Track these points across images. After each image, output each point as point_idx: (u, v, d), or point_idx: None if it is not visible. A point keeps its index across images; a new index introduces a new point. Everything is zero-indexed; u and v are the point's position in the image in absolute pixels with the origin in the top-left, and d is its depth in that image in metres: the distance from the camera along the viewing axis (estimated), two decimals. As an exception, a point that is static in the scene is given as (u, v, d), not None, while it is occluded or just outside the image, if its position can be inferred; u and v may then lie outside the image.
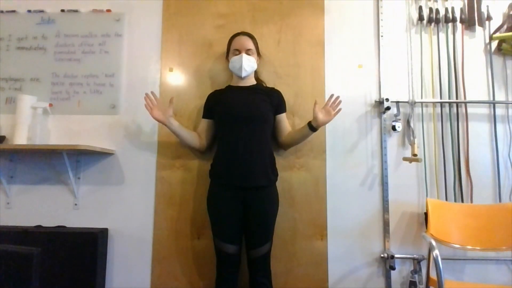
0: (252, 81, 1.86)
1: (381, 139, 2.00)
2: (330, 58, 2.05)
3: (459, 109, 2.02)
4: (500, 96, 2.02)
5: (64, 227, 1.95)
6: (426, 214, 1.85)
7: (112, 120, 2.03)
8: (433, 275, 1.64)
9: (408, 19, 2.09)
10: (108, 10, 2.09)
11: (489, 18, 2.05)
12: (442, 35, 2.07)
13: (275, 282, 1.74)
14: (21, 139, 1.88)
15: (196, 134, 1.86)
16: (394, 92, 2.02)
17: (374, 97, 2.04)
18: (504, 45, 2.00)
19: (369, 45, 2.07)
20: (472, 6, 2.06)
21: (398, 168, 1.99)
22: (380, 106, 2.00)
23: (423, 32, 2.08)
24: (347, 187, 1.98)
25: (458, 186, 1.97)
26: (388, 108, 1.96)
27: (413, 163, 1.96)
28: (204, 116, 1.87)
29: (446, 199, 1.96)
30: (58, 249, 1.81)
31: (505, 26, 2.01)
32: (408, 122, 1.99)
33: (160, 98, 1.99)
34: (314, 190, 1.97)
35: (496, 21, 2.05)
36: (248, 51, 1.78)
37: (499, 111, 2.02)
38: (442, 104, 2.02)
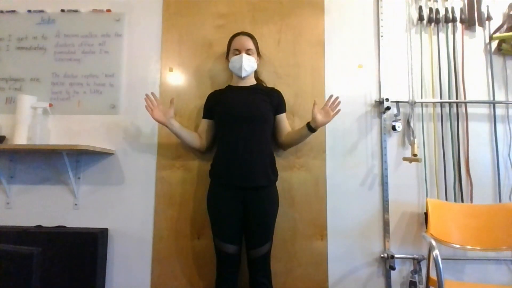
0: (252, 81, 1.86)
1: (381, 139, 2.00)
2: (330, 58, 2.05)
3: (459, 109, 2.02)
4: (500, 96, 2.02)
5: (64, 227, 1.95)
6: (426, 214, 1.85)
7: (112, 120, 2.03)
8: (433, 275, 1.64)
9: (408, 19, 2.09)
10: (108, 10, 2.09)
11: (489, 18, 2.05)
12: (442, 35, 2.07)
13: (275, 282, 1.74)
14: (21, 139, 1.88)
15: (196, 135, 1.86)
16: (394, 92, 2.02)
17: (374, 97, 2.04)
18: (504, 45, 2.00)
19: (369, 45, 2.07)
20: (472, 6, 2.06)
21: (398, 168, 1.99)
22: (380, 106, 2.00)
23: (423, 32, 2.08)
24: (347, 187, 1.98)
25: (458, 186, 1.97)
26: (388, 108, 1.96)
27: (413, 163, 1.96)
28: (204, 117, 1.87)
29: (446, 199, 1.96)
30: (58, 249, 1.81)
31: (505, 26, 2.01)
32: (408, 122, 1.99)
33: (160, 98, 1.99)
34: (314, 190, 1.97)
35: (496, 21, 2.05)
36: (248, 51, 1.78)
37: (499, 111, 2.02)
38: (442, 104, 2.02)
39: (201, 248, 1.93)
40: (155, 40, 2.08)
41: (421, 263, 1.87)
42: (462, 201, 1.95)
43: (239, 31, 1.87)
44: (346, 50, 2.07)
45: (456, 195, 1.97)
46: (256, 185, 1.65)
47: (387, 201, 1.96)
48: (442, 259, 1.54)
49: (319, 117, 1.64)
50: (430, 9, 2.05)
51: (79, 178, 2.00)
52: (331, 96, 1.66)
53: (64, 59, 2.06)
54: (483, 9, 2.06)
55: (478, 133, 2.00)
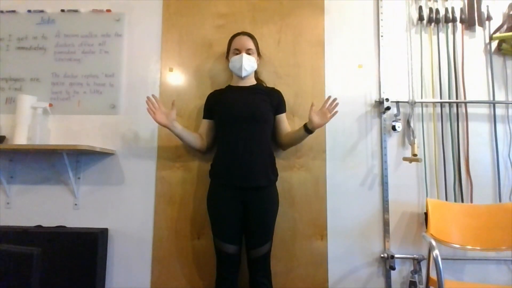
0: (252, 81, 1.86)
1: (381, 139, 2.00)
2: (330, 58, 2.05)
3: (459, 109, 2.02)
4: (500, 96, 2.02)
5: (64, 227, 1.95)
6: (426, 214, 1.85)
7: (112, 120, 2.03)
8: (433, 275, 1.64)
9: (408, 19, 2.09)
10: (108, 10, 2.09)
11: (489, 18, 2.05)
12: (442, 35, 2.07)
13: (275, 282, 1.74)
14: (21, 139, 1.88)
15: (198, 136, 1.85)
16: (394, 92, 2.02)
17: (374, 97, 2.04)
18: (504, 45, 2.00)
19: (369, 45, 2.07)
20: (472, 6, 2.06)
21: (398, 168, 1.99)
22: (380, 106, 2.00)
23: (423, 32, 2.08)
24: (347, 187, 1.98)
25: (458, 186, 1.97)
26: (388, 108, 1.96)
27: (413, 163, 1.96)
28: (204, 117, 1.86)
29: (446, 199, 1.96)
30: (58, 249, 1.81)
31: (505, 26, 2.01)
32: (408, 122, 1.99)
33: (160, 98, 1.99)
34: (314, 190, 1.97)
35: (496, 21, 2.05)
36: (248, 51, 1.78)
37: (499, 111, 2.02)
38: (442, 104, 2.02)
39: (201, 248, 1.93)
40: (155, 40, 2.08)
41: (421, 263, 1.87)
42: (462, 201, 1.95)
43: (239, 31, 1.87)
44: (346, 50, 2.07)
45: (456, 195, 1.97)
46: (256, 185, 1.65)
47: (387, 201, 1.96)
48: (442, 259, 1.55)
49: (316, 118, 1.63)
50: (430, 9, 2.05)
51: (79, 178, 2.00)
52: (328, 98, 1.64)
53: (64, 59, 2.06)
54: (483, 9, 2.06)
55: (478, 133, 2.00)
